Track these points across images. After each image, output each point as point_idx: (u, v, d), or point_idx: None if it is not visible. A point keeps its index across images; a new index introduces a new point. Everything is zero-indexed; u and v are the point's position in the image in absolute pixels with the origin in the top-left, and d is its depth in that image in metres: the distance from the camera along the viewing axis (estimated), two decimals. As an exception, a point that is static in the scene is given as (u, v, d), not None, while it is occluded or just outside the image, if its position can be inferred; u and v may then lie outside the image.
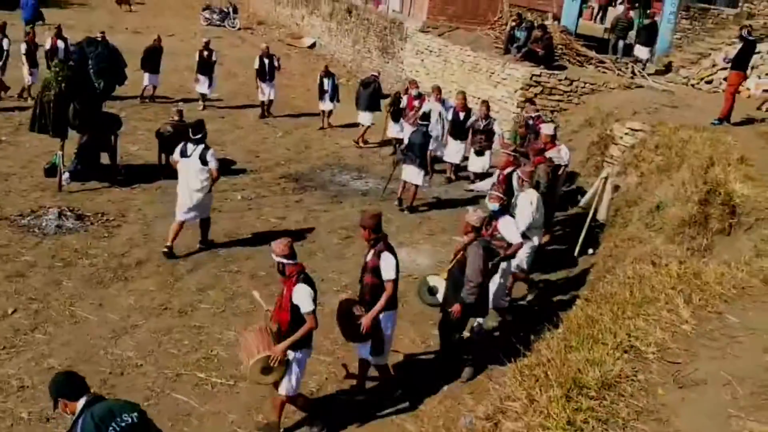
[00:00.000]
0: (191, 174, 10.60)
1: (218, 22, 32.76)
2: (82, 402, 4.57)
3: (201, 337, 8.75)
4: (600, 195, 11.96)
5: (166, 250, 10.73)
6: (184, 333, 8.81)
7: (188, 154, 10.59)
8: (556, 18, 21.24)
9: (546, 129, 12.41)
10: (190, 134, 10.68)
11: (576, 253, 11.69)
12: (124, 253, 10.74)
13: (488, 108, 14.81)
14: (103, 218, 11.87)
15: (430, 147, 13.96)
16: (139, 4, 37.10)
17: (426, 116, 13.67)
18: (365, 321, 7.14)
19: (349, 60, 26.64)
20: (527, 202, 9.95)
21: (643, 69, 19.60)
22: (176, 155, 10.81)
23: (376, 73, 18.47)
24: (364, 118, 17.63)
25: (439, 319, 8.61)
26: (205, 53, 19.12)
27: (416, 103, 15.75)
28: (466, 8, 22.40)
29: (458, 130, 15.09)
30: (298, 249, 11.18)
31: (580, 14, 22.06)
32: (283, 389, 6.87)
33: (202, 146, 10.61)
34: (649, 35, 20.51)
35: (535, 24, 19.19)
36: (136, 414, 4.62)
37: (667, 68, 20.17)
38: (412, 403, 7.83)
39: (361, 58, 25.82)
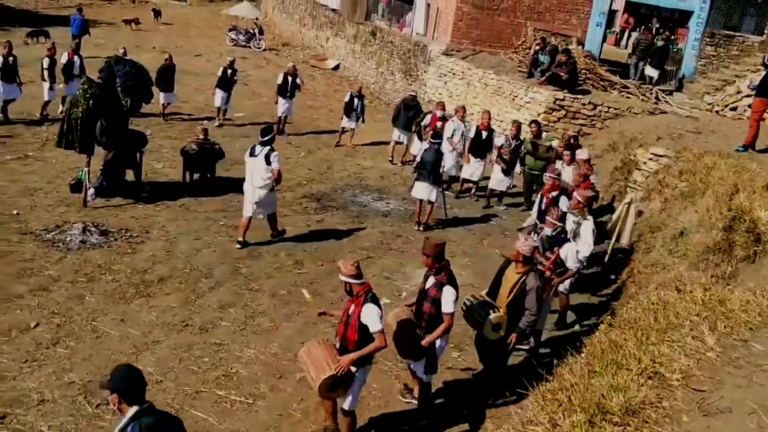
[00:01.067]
0: (256, 172, 11.51)
1: (244, 43, 33.15)
2: (134, 409, 4.50)
3: (221, 355, 8.76)
4: (623, 220, 11.91)
5: (238, 245, 11.84)
6: (204, 350, 8.82)
7: (255, 154, 11.54)
8: (580, 43, 21.30)
9: (582, 154, 12.42)
10: (260, 136, 11.65)
11: (598, 279, 11.62)
12: (146, 270, 10.80)
13: (519, 129, 14.87)
14: (127, 234, 11.96)
15: (447, 166, 14.03)
16: (167, 24, 37.67)
17: (437, 134, 13.70)
18: (424, 344, 7.36)
19: (372, 82, 26.80)
20: (590, 231, 10.11)
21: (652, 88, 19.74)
22: (246, 155, 11.76)
23: (414, 93, 18.65)
24: (403, 137, 17.79)
25: (455, 341, 8.55)
26: (229, 71, 19.54)
27: (439, 124, 15.81)
28: (490, 32, 22.52)
29: (478, 147, 15.21)
30: (318, 269, 11.32)
31: (604, 39, 22.09)
32: (347, 404, 6.95)
33: (268, 148, 11.51)
34: (660, 57, 20.70)
35: (559, 48, 19.23)
36: None
37: (678, 88, 20.23)
38: (431, 426, 7.78)
39: (384, 80, 25.97)
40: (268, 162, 11.42)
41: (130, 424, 4.46)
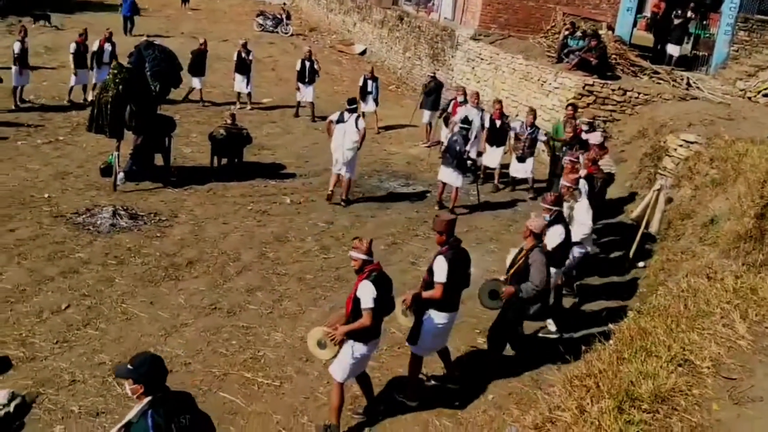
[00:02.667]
0: (347, 135, 13.20)
1: (271, 28, 33.09)
2: (150, 397, 4.50)
3: (249, 338, 8.82)
4: (653, 207, 11.77)
5: (327, 199, 13.66)
6: (232, 333, 8.90)
7: (345, 120, 13.30)
8: (611, 27, 20.98)
9: (594, 138, 12.39)
10: (347, 105, 13.52)
11: (626, 266, 11.52)
12: (175, 253, 10.90)
13: (534, 117, 14.86)
14: (156, 218, 12.08)
15: (467, 148, 14.02)
16: (195, 9, 37.74)
17: (467, 120, 13.69)
18: (406, 296, 7.52)
19: (399, 67, 26.71)
20: (585, 210, 10.00)
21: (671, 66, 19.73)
22: (333, 117, 13.50)
23: (432, 74, 19.23)
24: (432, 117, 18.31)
25: (480, 327, 8.55)
26: (243, 53, 19.62)
27: (460, 109, 15.85)
28: (519, 16, 22.29)
29: (494, 136, 15.31)
30: (344, 254, 11.32)
31: (635, 24, 21.75)
32: (332, 370, 7.09)
33: (355, 114, 13.39)
34: (680, 33, 20.43)
35: (594, 32, 18.95)
36: (189, 416, 4.63)
37: (690, 66, 20.01)
38: (455, 411, 7.79)
39: (411, 65, 25.86)
40: (357, 126, 13.16)
41: (148, 411, 4.46)
